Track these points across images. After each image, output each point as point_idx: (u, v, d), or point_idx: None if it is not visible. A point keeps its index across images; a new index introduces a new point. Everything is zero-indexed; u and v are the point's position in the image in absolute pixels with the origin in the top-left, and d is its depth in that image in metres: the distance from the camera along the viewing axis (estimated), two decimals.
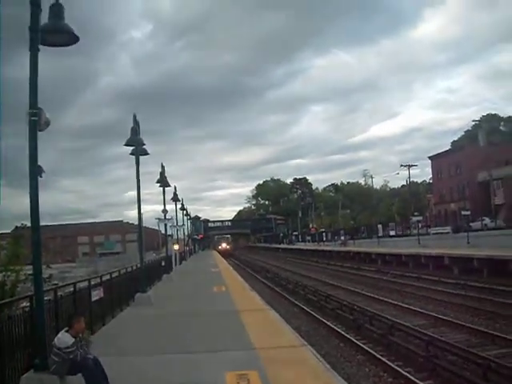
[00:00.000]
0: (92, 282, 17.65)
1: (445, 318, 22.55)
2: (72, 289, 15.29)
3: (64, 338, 9.21)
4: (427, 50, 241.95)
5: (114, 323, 18.53)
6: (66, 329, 9.44)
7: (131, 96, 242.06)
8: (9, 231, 40.55)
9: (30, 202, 9.34)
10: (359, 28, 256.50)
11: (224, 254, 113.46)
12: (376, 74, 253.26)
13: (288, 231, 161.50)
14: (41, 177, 9.38)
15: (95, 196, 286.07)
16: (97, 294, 17.03)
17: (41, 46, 9.43)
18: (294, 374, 10.29)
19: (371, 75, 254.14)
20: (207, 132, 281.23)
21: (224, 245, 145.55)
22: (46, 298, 10.87)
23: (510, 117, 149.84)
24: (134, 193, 24.18)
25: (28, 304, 11.11)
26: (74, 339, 9.20)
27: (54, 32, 10.02)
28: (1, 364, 9.24)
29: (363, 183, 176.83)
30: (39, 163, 9.41)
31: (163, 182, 39.40)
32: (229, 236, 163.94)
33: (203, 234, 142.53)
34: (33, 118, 9.20)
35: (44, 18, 9.64)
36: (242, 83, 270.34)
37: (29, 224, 9.54)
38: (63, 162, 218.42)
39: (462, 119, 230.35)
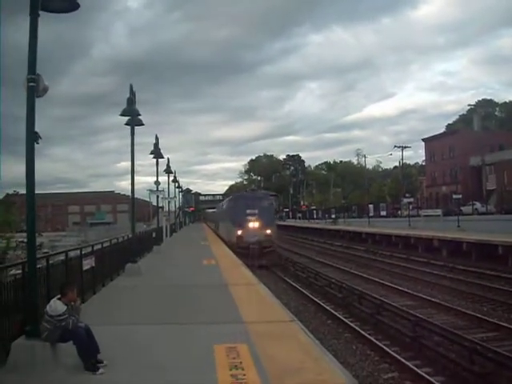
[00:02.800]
0: (83, 251, 17.68)
1: (432, 299, 22.75)
2: (63, 257, 15.30)
3: (56, 306, 9.24)
4: (426, 31, 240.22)
5: (104, 292, 18.57)
6: (58, 296, 9.46)
7: (125, 66, 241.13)
8: None
9: (26, 168, 9.29)
10: (359, 4, 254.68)
11: (260, 256, 41.64)
12: (373, 53, 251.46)
13: (279, 207, 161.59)
14: (37, 143, 9.32)
15: (86, 166, 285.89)
16: (88, 263, 17.04)
17: (40, 12, 9.34)
18: (283, 348, 10.35)
19: (368, 53, 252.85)
20: (201, 105, 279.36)
21: (254, 225, 44.59)
22: (37, 266, 10.86)
23: (505, 102, 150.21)
24: (126, 163, 24.67)
25: (18, 271, 11.11)
26: (65, 307, 9.24)
27: None
28: None
29: (356, 162, 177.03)
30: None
31: (157, 153, 39.30)
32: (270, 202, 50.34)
33: (194, 207, 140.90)
34: (31, 84, 9.13)
35: None
36: (237, 57, 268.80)
37: (20, 191, 9.52)
38: (55, 129, 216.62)
39: (458, 103, 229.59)
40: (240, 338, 11.06)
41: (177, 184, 68.43)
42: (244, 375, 8.64)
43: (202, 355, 9.88)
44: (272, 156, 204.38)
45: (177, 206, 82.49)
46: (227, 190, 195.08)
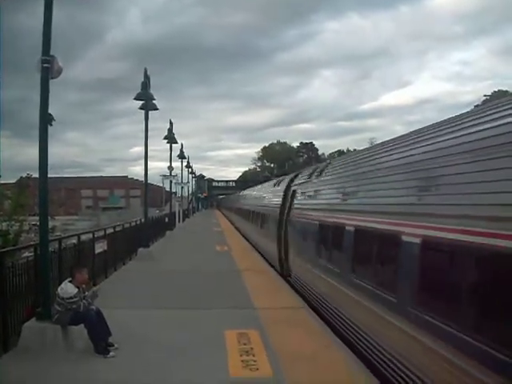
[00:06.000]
0: (96, 235, 17.70)
1: None
2: (76, 240, 15.31)
3: (67, 289, 9.23)
4: (444, 20, 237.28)
5: (116, 276, 18.62)
6: (70, 279, 9.46)
7: (139, 51, 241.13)
8: (13, 181, 40.44)
9: (39, 149, 9.27)
10: None
11: None
12: (390, 41, 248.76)
13: None
14: (51, 125, 9.28)
15: (100, 150, 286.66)
16: (100, 247, 17.06)
17: None
18: (293, 334, 10.35)
19: (385, 42, 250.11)
20: (215, 91, 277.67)
21: None
22: (50, 249, 10.84)
23: None
24: (139, 149, 24.65)
25: (31, 254, 11.12)
26: (77, 290, 9.23)
27: None
28: (3, 312, 9.25)
29: None
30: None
31: (171, 138, 39.25)
32: None
33: (207, 193, 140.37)
34: (45, 65, 9.07)
35: None
36: (252, 43, 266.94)
37: (34, 174, 9.52)
38: (68, 114, 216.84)
39: (474, 93, 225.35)
40: (251, 324, 11.08)
41: (190, 170, 68.46)
42: (255, 361, 8.62)
43: (212, 340, 9.87)
44: (285, 143, 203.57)
45: (190, 191, 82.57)
46: (240, 176, 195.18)
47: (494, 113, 6.88)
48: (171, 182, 46.24)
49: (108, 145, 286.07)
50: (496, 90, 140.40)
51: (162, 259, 23.06)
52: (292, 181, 20.92)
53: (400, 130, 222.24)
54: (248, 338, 9.94)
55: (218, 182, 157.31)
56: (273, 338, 9.99)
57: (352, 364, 8.61)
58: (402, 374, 7.67)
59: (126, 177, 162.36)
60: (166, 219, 42.55)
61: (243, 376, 8.07)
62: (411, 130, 10.47)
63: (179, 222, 47.61)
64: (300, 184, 19.08)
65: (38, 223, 10.24)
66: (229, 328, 10.66)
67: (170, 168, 43.44)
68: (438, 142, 8.05)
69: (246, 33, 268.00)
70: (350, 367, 8.44)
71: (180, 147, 50.67)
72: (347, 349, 9.48)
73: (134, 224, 26.26)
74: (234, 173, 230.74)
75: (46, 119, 9.22)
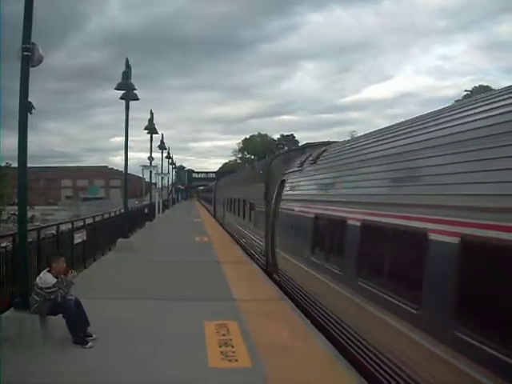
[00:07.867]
0: (75, 225, 17.62)
1: None
2: (55, 231, 15.24)
3: (46, 278, 9.17)
4: (427, 15, 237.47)
5: (95, 267, 18.55)
6: (48, 269, 9.40)
7: (120, 40, 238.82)
8: None
9: (19, 138, 9.20)
10: None
11: None
12: (373, 35, 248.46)
13: None
14: (31, 113, 9.21)
15: (80, 140, 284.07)
16: (79, 237, 17.00)
17: None
18: (272, 325, 10.41)
19: (368, 35, 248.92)
20: (196, 82, 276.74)
21: None
22: (28, 239, 10.77)
23: None
24: (119, 138, 24.62)
25: (9, 244, 11.05)
26: (55, 279, 9.18)
27: None
28: None
29: None
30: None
31: (151, 129, 39.09)
32: None
33: (187, 184, 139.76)
34: (25, 54, 8.99)
35: None
36: (234, 34, 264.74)
37: (13, 164, 9.45)
38: (48, 103, 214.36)
39: (456, 87, 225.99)
40: (230, 315, 11.10)
41: (170, 160, 68.18)
42: (233, 352, 8.65)
43: (192, 331, 9.89)
44: (266, 135, 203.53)
45: (170, 182, 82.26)
46: (220, 168, 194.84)
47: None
48: (151, 172, 45.96)
49: (88, 134, 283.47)
50: (477, 85, 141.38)
51: (142, 250, 22.98)
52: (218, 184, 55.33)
53: (381, 123, 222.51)
54: (227, 329, 9.97)
55: (198, 173, 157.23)
56: (251, 329, 10.02)
57: (330, 354, 8.66)
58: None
59: (106, 167, 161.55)
60: (146, 210, 42.45)
61: (222, 367, 8.11)
62: (391, 123, 10.59)
63: (159, 212, 47.39)
64: (218, 184, 54.87)
65: (17, 213, 10.19)
66: (208, 319, 10.67)
67: (151, 158, 43.27)
68: None
69: (229, 23, 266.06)
70: (328, 358, 8.50)
71: (160, 138, 50.57)
72: (326, 340, 9.53)
73: (113, 214, 26.19)
74: (214, 164, 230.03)
75: (25, 108, 9.14)
